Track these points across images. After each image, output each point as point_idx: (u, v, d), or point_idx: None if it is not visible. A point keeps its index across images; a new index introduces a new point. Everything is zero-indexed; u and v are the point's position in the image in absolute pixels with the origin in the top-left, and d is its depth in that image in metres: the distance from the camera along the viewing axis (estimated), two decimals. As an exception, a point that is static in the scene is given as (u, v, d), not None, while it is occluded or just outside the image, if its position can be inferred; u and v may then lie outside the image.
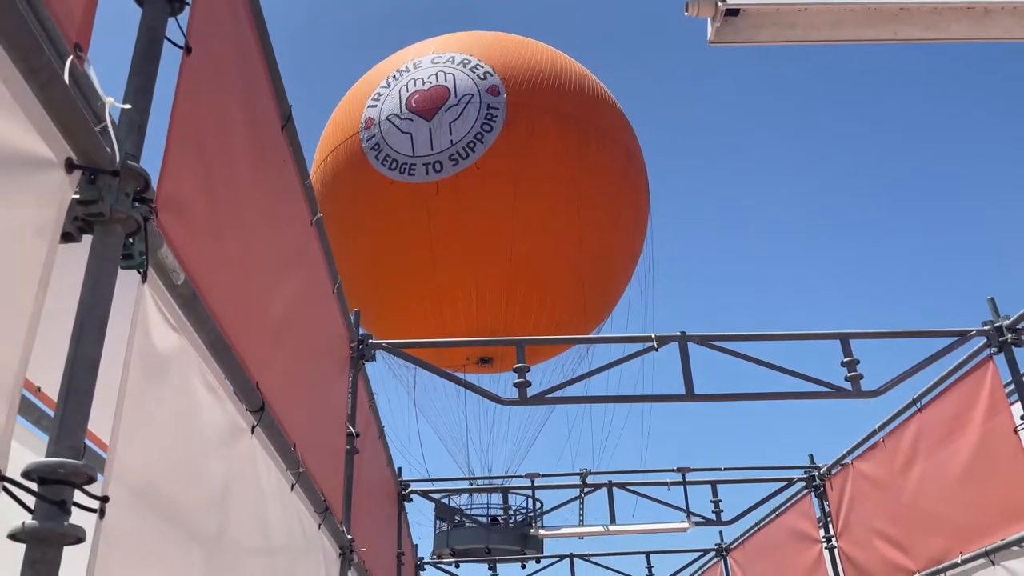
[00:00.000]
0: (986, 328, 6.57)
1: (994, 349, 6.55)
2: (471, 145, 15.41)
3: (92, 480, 1.68)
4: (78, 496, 1.73)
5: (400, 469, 10.52)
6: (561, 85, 16.87)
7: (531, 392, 6.55)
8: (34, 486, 1.61)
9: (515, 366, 6.65)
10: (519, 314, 15.44)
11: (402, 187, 15.04)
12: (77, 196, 1.85)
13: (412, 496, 10.33)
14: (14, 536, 1.56)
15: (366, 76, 18.19)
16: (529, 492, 11.10)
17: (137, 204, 2.02)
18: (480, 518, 27.28)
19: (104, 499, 1.77)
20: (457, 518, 27.07)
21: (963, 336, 6.69)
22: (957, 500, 7.17)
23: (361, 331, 6.47)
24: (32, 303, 1.66)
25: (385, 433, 8.46)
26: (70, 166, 1.78)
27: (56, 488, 1.60)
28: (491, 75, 16.27)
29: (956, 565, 7.11)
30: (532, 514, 27.51)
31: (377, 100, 16.61)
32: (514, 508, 27.90)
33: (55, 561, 1.57)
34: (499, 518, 27.34)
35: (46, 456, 1.65)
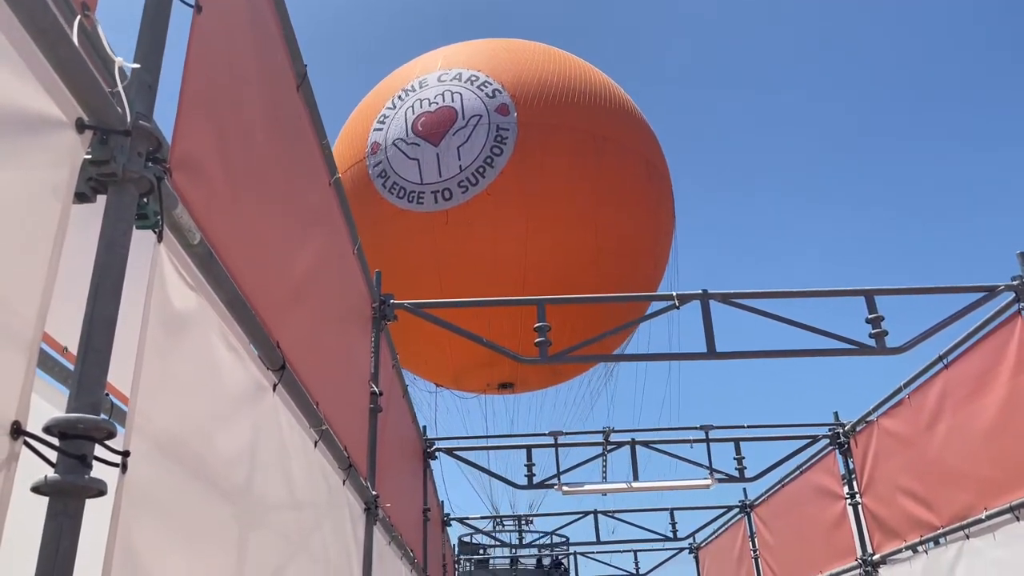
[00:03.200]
0: (1015, 283, 6.46)
1: (1022, 304, 6.45)
2: (480, 170, 14.69)
3: (112, 435, 1.72)
4: (100, 451, 1.78)
5: (425, 428, 10.65)
6: (575, 98, 15.88)
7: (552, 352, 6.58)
8: (55, 441, 1.65)
9: (536, 325, 6.66)
10: (533, 345, 14.93)
11: (410, 216, 14.54)
12: (89, 156, 1.86)
13: (437, 453, 10.46)
14: (37, 489, 1.60)
15: (372, 93, 17.44)
16: (552, 446, 11.16)
17: (150, 164, 2.04)
18: (503, 556, 27.73)
19: (125, 453, 1.81)
20: (481, 553, 27.61)
21: (991, 291, 6.59)
22: (982, 456, 7.13)
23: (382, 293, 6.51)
24: (48, 262, 1.68)
25: (409, 392, 8.55)
26: (81, 126, 1.79)
27: (77, 443, 1.64)
28: (500, 92, 15.38)
29: (980, 520, 7.11)
30: (557, 555, 28.01)
31: (383, 123, 15.89)
32: (539, 544, 28.41)
33: (77, 514, 1.62)
34: (520, 559, 27.92)
35: (66, 412, 1.68)
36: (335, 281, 4.80)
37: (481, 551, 27.30)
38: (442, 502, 13.67)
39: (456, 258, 14.34)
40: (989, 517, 6.97)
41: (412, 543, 8.41)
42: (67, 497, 1.60)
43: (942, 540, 7.90)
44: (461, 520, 14.30)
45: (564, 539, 28.37)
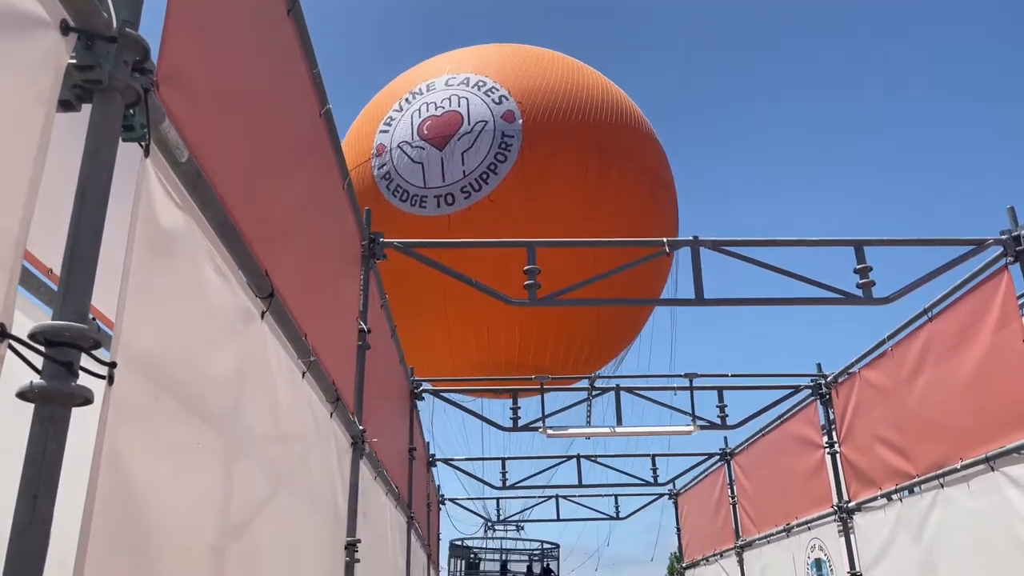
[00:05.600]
0: (1003, 237, 6.48)
1: (1010, 259, 6.49)
2: (484, 177, 14.58)
3: (98, 345, 1.71)
4: (87, 362, 1.77)
5: (412, 369, 10.71)
6: (582, 107, 15.62)
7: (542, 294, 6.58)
8: (41, 348, 1.64)
9: (525, 268, 6.66)
10: (534, 352, 14.96)
11: (413, 220, 14.41)
12: (74, 61, 1.81)
13: (424, 395, 10.55)
14: (23, 395, 1.59)
15: (379, 95, 17.19)
16: (538, 390, 11.26)
17: (137, 75, 1.99)
18: (495, 548, 28.23)
19: (112, 364, 1.80)
20: (472, 558, 28.14)
21: (979, 244, 6.61)
22: (961, 408, 7.25)
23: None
24: (31, 168, 1.65)
25: (397, 333, 8.57)
26: (65, 28, 1.74)
27: (63, 350, 1.63)
28: (507, 99, 15.20)
29: (956, 471, 7.26)
30: (546, 561, 28.52)
31: (389, 125, 15.74)
32: (527, 551, 28.97)
33: (64, 420, 1.61)
34: (510, 563, 28.52)
35: (52, 320, 1.67)
36: (324, 215, 4.75)
37: (472, 556, 27.95)
38: (428, 442, 13.84)
39: (455, 265, 14.03)
40: (964, 467, 7.12)
41: (397, 480, 8.52)
42: (53, 403, 1.59)
43: (917, 489, 8.07)
44: (446, 461, 14.49)
45: (555, 545, 29.10)
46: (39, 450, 1.56)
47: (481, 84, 15.52)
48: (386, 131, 15.67)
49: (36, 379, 1.60)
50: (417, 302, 14.10)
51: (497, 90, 15.34)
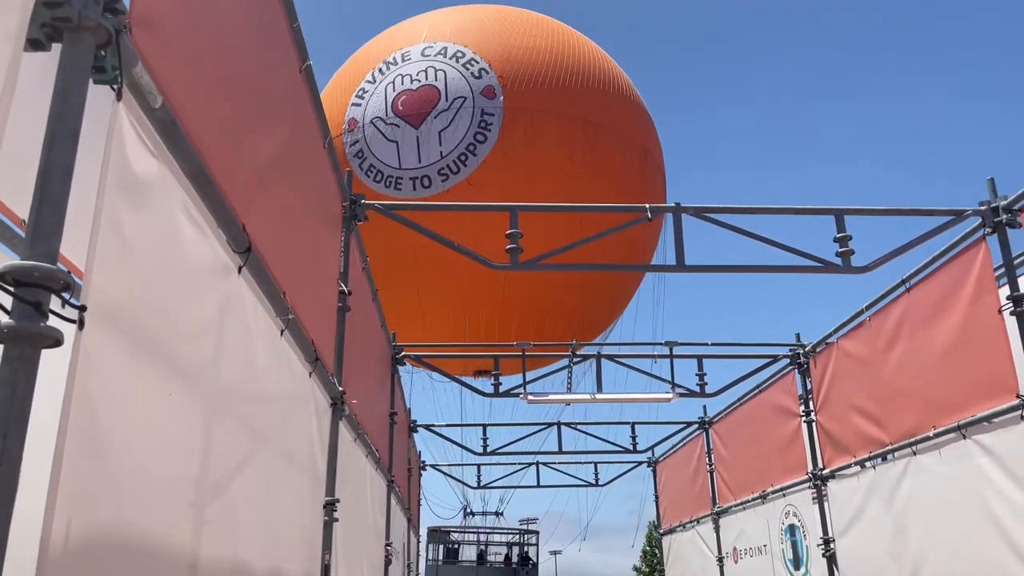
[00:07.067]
0: (982, 208, 6.53)
1: (988, 230, 6.55)
2: (462, 158, 13.86)
3: (68, 287, 1.69)
4: (56, 306, 1.75)
5: (395, 334, 10.71)
6: (567, 79, 14.80)
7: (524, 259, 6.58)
8: (11, 289, 1.62)
9: (508, 232, 6.64)
10: (515, 335, 14.18)
11: (387, 202, 13.86)
12: (42, -2, 1.77)
13: (404, 360, 10.56)
14: (-9, 335, 1.58)
15: (352, 60, 16.22)
16: (519, 356, 11.30)
17: (109, 15, 1.95)
18: (473, 535, 28.22)
19: (82, 308, 1.78)
20: (452, 543, 28.16)
21: (959, 215, 6.67)
22: (935, 378, 7.35)
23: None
24: (-1, 104, 1.62)
25: (378, 297, 8.55)
26: (33, -37, 1.70)
27: (32, 291, 1.61)
28: (487, 72, 14.34)
29: (928, 438, 7.38)
30: (525, 548, 28.68)
31: (362, 98, 14.88)
32: (508, 543, 29.03)
33: (33, 360, 1.60)
34: (489, 554, 28.61)
35: (21, 260, 1.65)
36: (304, 173, 4.71)
37: (450, 543, 27.97)
38: (409, 409, 13.88)
39: (433, 250, 13.41)
40: (937, 435, 7.23)
41: (378, 444, 8.56)
42: (22, 343, 1.58)
43: (890, 456, 8.20)
44: (428, 427, 14.56)
45: (534, 532, 29.20)
46: (8, 390, 1.55)
47: (460, 55, 14.75)
48: (359, 104, 14.93)
49: (5, 319, 1.59)
50: (390, 288, 13.61)
51: (477, 62, 14.60)
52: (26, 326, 1.58)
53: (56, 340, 1.63)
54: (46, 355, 1.70)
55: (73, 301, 1.74)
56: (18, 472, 1.56)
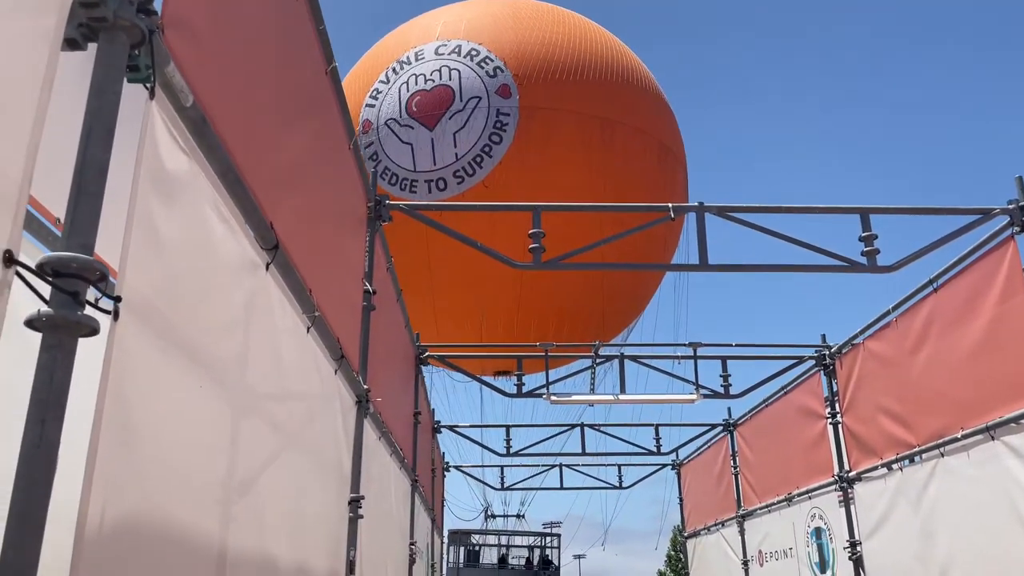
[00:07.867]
0: (1010, 207, 6.46)
1: (1016, 228, 6.46)
2: (478, 160, 13.66)
3: (104, 278, 1.75)
4: (92, 300, 1.80)
5: (418, 335, 10.77)
6: (584, 75, 14.48)
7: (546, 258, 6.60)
8: (49, 279, 1.67)
9: (531, 231, 6.67)
10: (534, 338, 13.91)
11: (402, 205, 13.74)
12: (79, -1, 1.83)
13: (428, 359, 10.62)
14: (31, 323, 1.63)
15: (366, 59, 16.03)
16: (542, 356, 11.31)
17: (142, 15, 2.00)
18: (494, 538, 28.12)
19: (117, 299, 1.84)
20: (473, 545, 28.12)
21: (986, 214, 6.59)
22: (963, 379, 7.27)
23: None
24: (36, 106, 1.67)
25: (403, 297, 8.62)
26: (70, -35, 1.75)
27: (70, 281, 1.67)
28: (502, 71, 14.09)
29: (956, 440, 7.29)
30: (547, 551, 28.50)
31: (375, 99, 14.73)
32: (529, 546, 28.94)
33: (70, 349, 1.65)
34: (510, 556, 28.55)
35: (58, 252, 1.70)
36: (330, 173, 4.77)
37: (472, 546, 27.91)
38: (433, 409, 13.94)
39: (447, 254, 13.32)
40: (965, 437, 7.15)
41: (402, 443, 8.62)
42: (60, 332, 1.63)
43: (917, 458, 8.12)
44: (451, 428, 14.61)
45: (555, 535, 29.05)
46: (47, 377, 1.60)
47: (474, 53, 14.53)
48: (372, 105, 14.79)
49: (44, 308, 1.64)
50: (401, 285, 13.63)
51: (491, 60, 14.38)
52: (64, 315, 1.63)
53: (92, 329, 1.69)
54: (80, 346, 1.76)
55: (108, 293, 1.80)
56: (56, 456, 1.62)
